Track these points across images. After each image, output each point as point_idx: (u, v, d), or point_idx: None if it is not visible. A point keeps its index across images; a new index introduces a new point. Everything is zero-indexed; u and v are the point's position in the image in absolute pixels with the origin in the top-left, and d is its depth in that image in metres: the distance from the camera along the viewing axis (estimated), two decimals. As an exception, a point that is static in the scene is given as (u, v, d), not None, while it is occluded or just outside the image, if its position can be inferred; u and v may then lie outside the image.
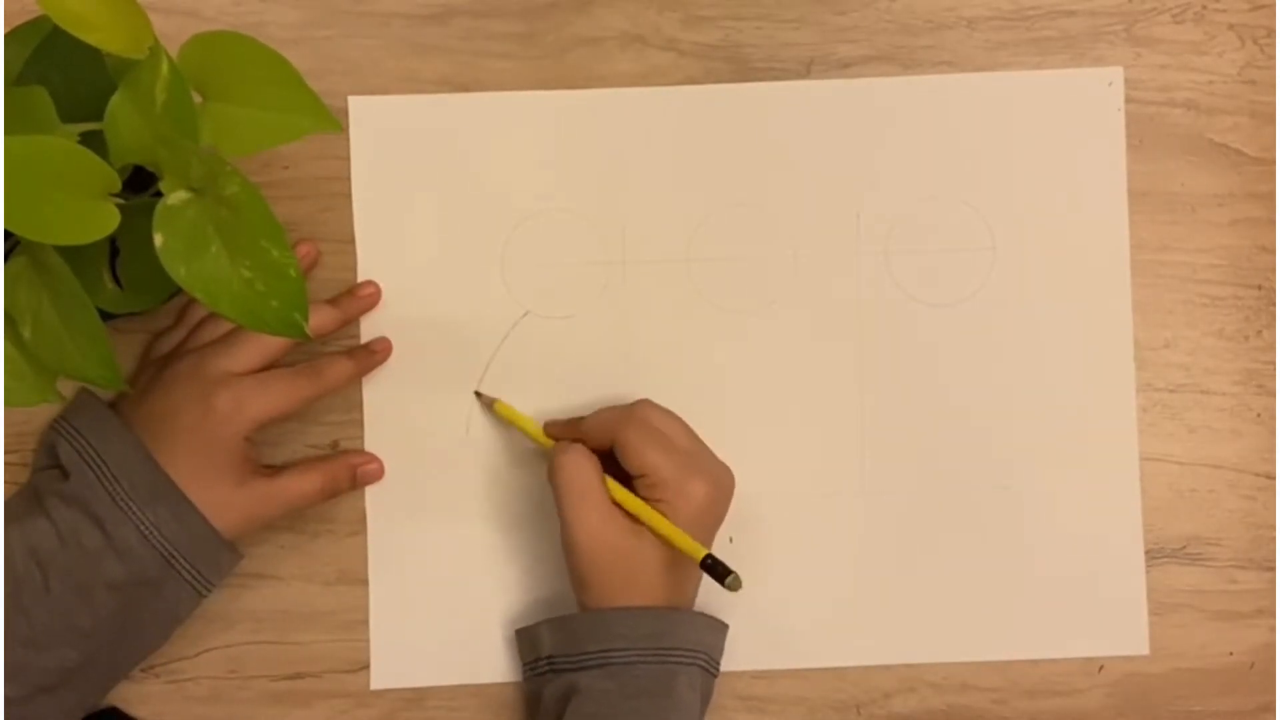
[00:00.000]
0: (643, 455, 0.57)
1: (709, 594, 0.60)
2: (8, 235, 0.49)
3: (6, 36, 0.51)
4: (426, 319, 0.63)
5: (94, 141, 0.47)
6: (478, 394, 0.62)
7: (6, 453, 0.62)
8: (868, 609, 0.63)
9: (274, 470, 0.60)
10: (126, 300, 0.57)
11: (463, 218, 0.63)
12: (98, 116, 0.47)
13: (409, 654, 0.63)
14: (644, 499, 0.57)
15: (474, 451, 0.63)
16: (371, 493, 0.63)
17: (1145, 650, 0.63)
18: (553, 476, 0.58)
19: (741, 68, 0.64)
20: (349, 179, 0.63)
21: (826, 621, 0.63)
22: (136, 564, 0.56)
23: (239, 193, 0.47)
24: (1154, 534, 0.64)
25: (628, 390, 0.63)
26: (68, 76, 0.50)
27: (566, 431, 0.61)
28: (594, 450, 0.58)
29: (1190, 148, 0.64)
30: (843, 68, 0.64)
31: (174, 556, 0.56)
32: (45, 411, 0.61)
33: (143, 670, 0.62)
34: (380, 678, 0.63)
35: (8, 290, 0.49)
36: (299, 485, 0.59)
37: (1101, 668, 0.64)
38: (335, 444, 0.63)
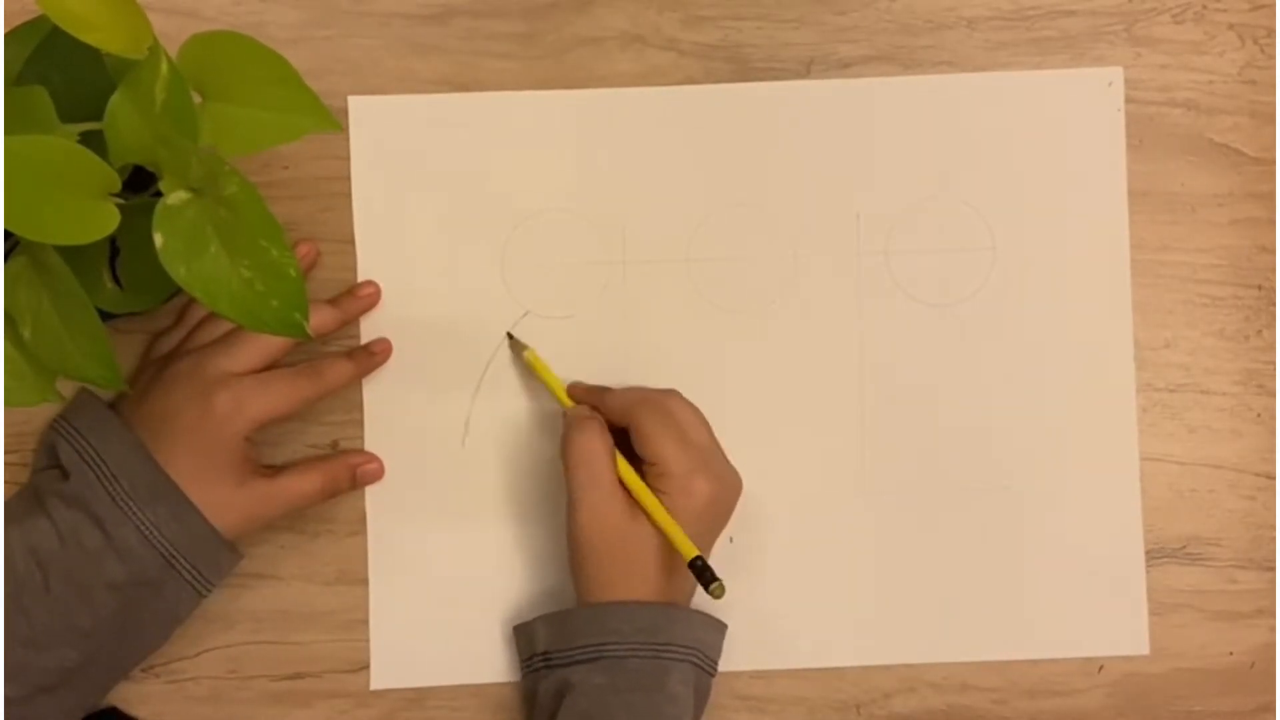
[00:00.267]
0: (656, 443, 0.57)
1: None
2: (8, 235, 0.49)
3: (6, 36, 0.51)
4: (426, 319, 0.63)
5: (94, 141, 0.47)
6: (510, 336, 0.62)
7: (6, 453, 0.62)
8: (868, 609, 0.63)
9: (274, 470, 0.60)
10: (126, 300, 0.57)
11: (463, 218, 0.63)
12: (98, 116, 0.47)
13: (409, 654, 0.63)
14: (649, 487, 0.57)
15: (474, 451, 0.63)
16: (371, 493, 0.63)
17: (1145, 650, 0.63)
18: (565, 449, 0.58)
19: (741, 68, 0.64)
20: (349, 179, 0.63)
21: (826, 621, 0.63)
22: (137, 564, 0.56)
23: (238, 193, 0.47)
24: (1154, 534, 0.64)
25: (628, 390, 0.63)
26: (68, 76, 0.50)
27: (589, 397, 0.61)
28: (611, 425, 0.59)
29: (1190, 148, 0.64)
30: (843, 68, 0.64)
31: (174, 557, 0.56)
32: (45, 411, 0.61)
33: (143, 670, 0.62)
34: (380, 678, 0.63)
35: (8, 290, 0.49)
36: (299, 485, 0.59)
37: (1101, 668, 0.64)
38: (335, 444, 0.63)
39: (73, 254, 0.48)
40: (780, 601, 0.63)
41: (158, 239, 0.46)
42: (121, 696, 0.62)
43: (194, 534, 0.57)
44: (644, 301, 0.63)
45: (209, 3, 0.63)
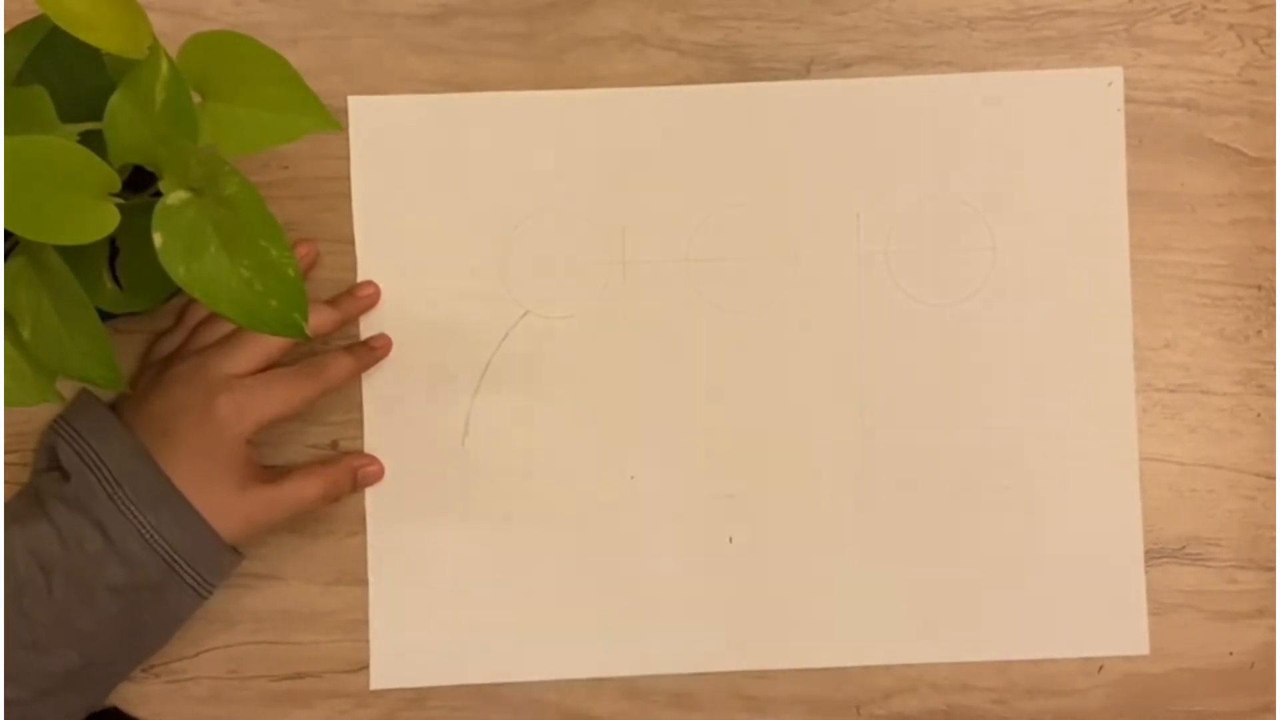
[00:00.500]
0: None
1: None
2: (8, 235, 0.49)
3: (6, 36, 0.51)
4: (426, 319, 0.63)
5: (94, 141, 0.47)
6: None
7: (6, 453, 0.62)
8: (868, 609, 0.63)
9: (275, 473, 0.60)
10: (126, 300, 0.57)
11: (462, 218, 0.63)
12: (97, 116, 0.47)
13: (409, 654, 0.63)
14: None
15: (474, 451, 0.63)
16: (371, 493, 0.63)
17: (1145, 650, 0.63)
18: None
19: (741, 68, 0.64)
20: (349, 179, 0.63)
21: (826, 621, 0.63)
22: (138, 568, 0.56)
23: (238, 192, 0.47)
24: (1154, 534, 0.64)
25: (627, 390, 0.63)
26: (68, 76, 0.50)
27: None
28: None
29: (1190, 148, 0.64)
30: (843, 68, 0.64)
31: (176, 560, 0.56)
32: (45, 411, 0.61)
33: (143, 670, 0.62)
34: (380, 678, 0.63)
35: (8, 290, 0.49)
36: (300, 490, 0.59)
37: (1101, 668, 0.64)
38: (335, 444, 0.63)
39: (73, 254, 0.48)
40: (780, 601, 0.63)
41: (157, 239, 0.47)
42: (122, 696, 0.62)
43: (196, 538, 0.57)
44: (644, 301, 0.63)
45: (209, 3, 0.63)
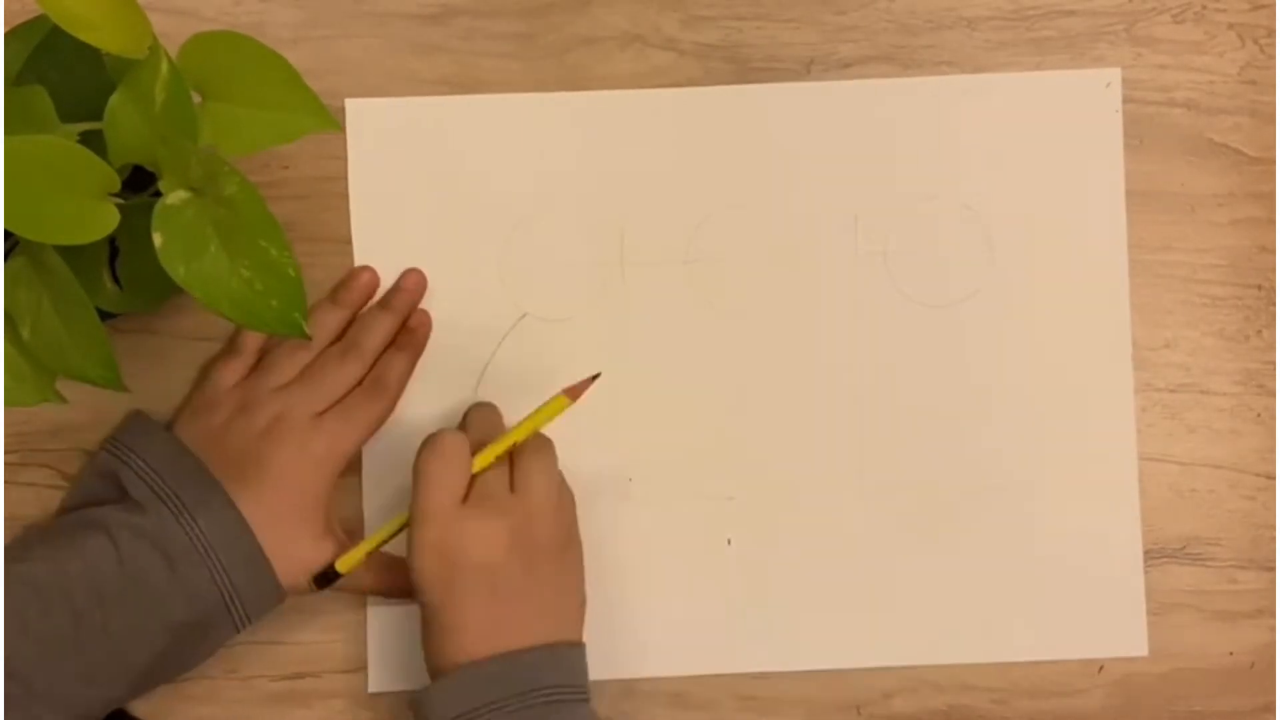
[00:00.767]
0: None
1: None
2: (8, 235, 0.49)
3: (6, 36, 0.51)
4: (426, 319, 0.63)
5: (94, 141, 0.47)
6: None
7: (7, 453, 0.62)
8: (868, 609, 0.63)
9: (345, 534, 0.60)
10: (126, 300, 0.57)
11: (460, 220, 0.63)
12: (97, 116, 0.47)
13: (408, 655, 0.62)
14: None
15: (474, 452, 0.63)
16: (370, 493, 0.63)
17: (1145, 650, 0.63)
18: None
19: (741, 68, 0.64)
20: (348, 179, 0.63)
21: (826, 621, 0.63)
22: (199, 606, 0.55)
23: (238, 192, 0.47)
24: (1154, 534, 0.64)
25: (626, 392, 0.63)
26: (68, 76, 0.50)
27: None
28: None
29: (1190, 148, 0.64)
30: (843, 68, 0.64)
31: (234, 601, 0.56)
32: (46, 412, 0.60)
33: (143, 670, 0.62)
34: (379, 679, 0.63)
35: (8, 290, 0.49)
36: (359, 575, 0.59)
37: (1101, 668, 0.64)
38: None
39: (73, 254, 0.48)
40: (780, 602, 0.63)
41: (157, 239, 0.47)
42: (121, 697, 0.62)
43: (259, 581, 0.56)
44: (643, 303, 0.63)
45: (209, 3, 0.63)
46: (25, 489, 0.62)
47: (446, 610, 0.55)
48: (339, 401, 0.59)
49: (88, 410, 0.61)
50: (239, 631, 0.58)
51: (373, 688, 0.63)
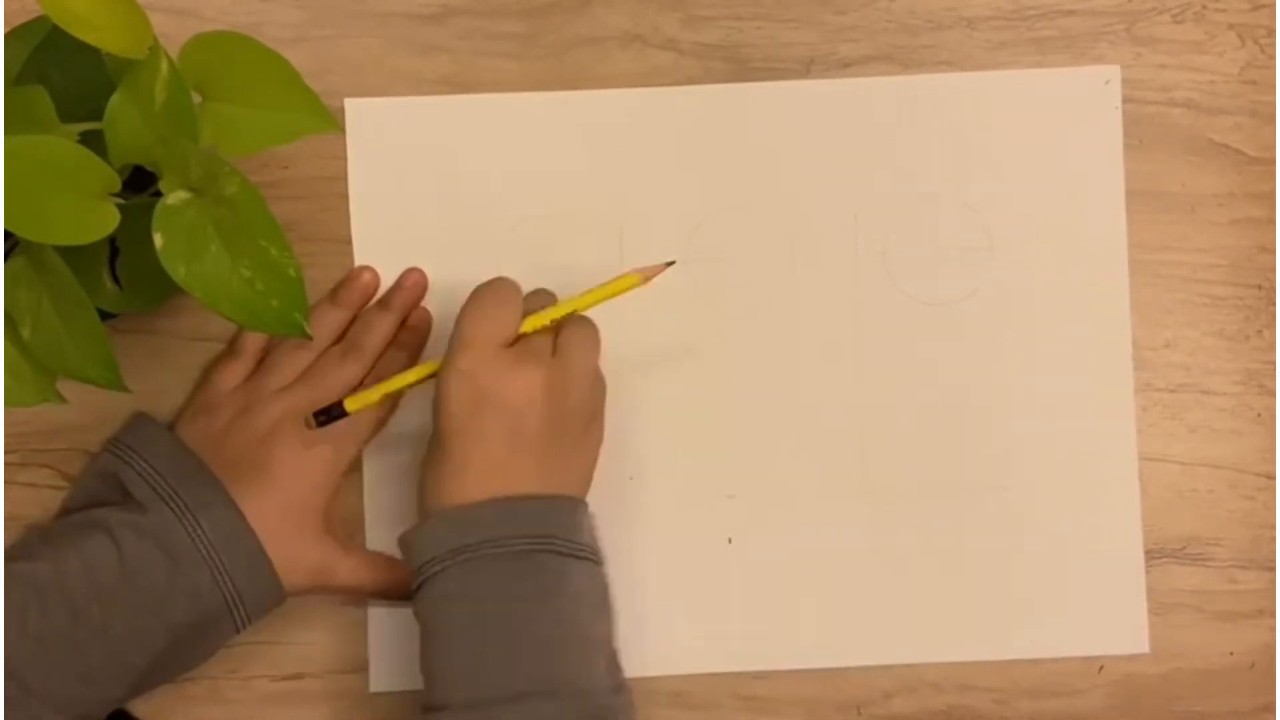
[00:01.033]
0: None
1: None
2: (8, 235, 0.49)
3: (6, 36, 0.51)
4: (426, 319, 0.63)
5: (94, 141, 0.47)
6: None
7: (7, 453, 0.62)
8: (868, 609, 0.63)
9: (346, 537, 0.61)
10: (126, 300, 0.57)
11: (460, 220, 0.63)
12: (98, 116, 0.47)
13: (408, 654, 0.62)
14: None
15: (474, 451, 0.63)
16: (370, 493, 0.63)
17: (1145, 650, 0.63)
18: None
19: (741, 68, 0.64)
20: (348, 179, 0.63)
21: (826, 621, 0.63)
22: (200, 606, 0.55)
23: (238, 192, 0.47)
24: (1154, 534, 0.64)
25: (626, 392, 0.63)
26: (68, 76, 0.50)
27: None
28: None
29: (1190, 148, 0.64)
30: (843, 68, 0.64)
31: (236, 601, 0.56)
32: (46, 412, 0.60)
33: (143, 670, 0.62)
34: (379, 679, 0.63)
35: (8, 290, 0.49)
36: (360, 575, 0.59)
37: (1101, 668, 0.64)
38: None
39: (73, 254, 0.48)
40: (780, 602, 0.63)
41: (157, 239, 0.47)
42: (121, 696, 0.62)
43: (261, 582, 0.56)
44: (642, 302, 0.63)
45: (209, 3, 0.63)
46: (25, 489, 0.62)
47: (458, 440, 0.54)
48: None
49: (88, 410, 0.61)
50: (239, 632, 0.57)
51: (373, 688, 0.63)
